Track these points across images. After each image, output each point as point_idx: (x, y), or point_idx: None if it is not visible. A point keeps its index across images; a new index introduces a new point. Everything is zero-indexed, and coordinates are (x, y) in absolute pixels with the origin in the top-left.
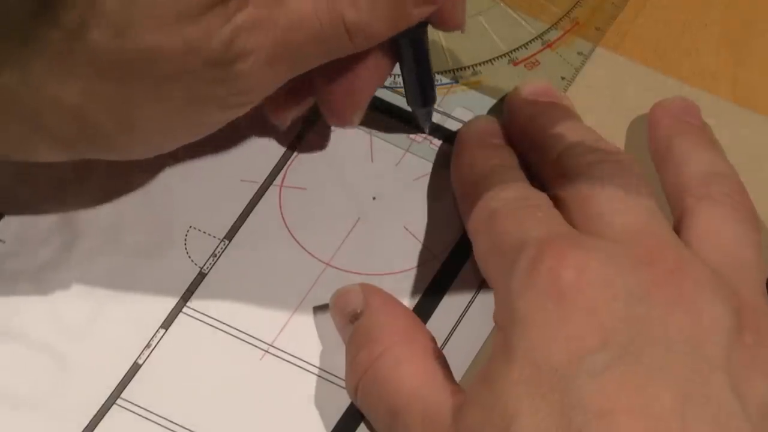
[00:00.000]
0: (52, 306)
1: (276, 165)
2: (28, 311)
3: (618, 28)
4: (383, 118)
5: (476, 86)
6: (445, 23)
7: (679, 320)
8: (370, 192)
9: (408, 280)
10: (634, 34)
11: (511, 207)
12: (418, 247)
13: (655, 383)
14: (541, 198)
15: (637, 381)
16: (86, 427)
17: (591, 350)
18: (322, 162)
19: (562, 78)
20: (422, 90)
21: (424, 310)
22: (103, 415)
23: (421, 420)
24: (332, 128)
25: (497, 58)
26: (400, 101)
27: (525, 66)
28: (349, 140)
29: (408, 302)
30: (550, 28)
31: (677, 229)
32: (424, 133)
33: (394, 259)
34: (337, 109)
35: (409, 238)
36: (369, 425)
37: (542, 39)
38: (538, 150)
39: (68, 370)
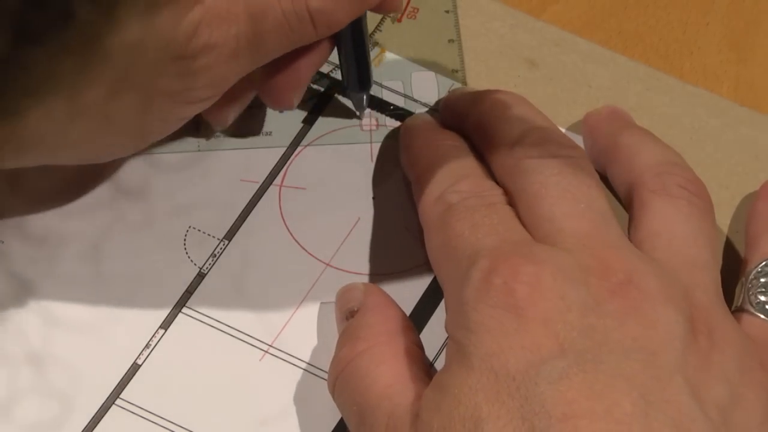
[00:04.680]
0: (52, 306)
1: (276, 165)
2: (27, 311)
3: (619, 26)
4: (384, 118)
5: None
6: (384, 6)
7: (633, 330)
8: (370, 192)
9: (408, 280)
10: (635, 33)
11: (466, 205)
12: (418, 247)
13: (615, 389)
14: (496, 194)
15: (597, 386)
16: (86, 427)
17: (549, 358)
18: (322, 162)
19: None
20: (359, 74)
21: (423, 309)
22: (103, 416)
23: (386, 422)
24: (332, 128)
25: None
26: (398, 100)
27: None
28: (349, 140)
29: (408, 302)
30: None
31: (631, 224)
32: (358, 119)
33: (394, 259)
34: (277, 95)
35: (409, 238)
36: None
37: None
38: (491, 138)
39: (68, 370)
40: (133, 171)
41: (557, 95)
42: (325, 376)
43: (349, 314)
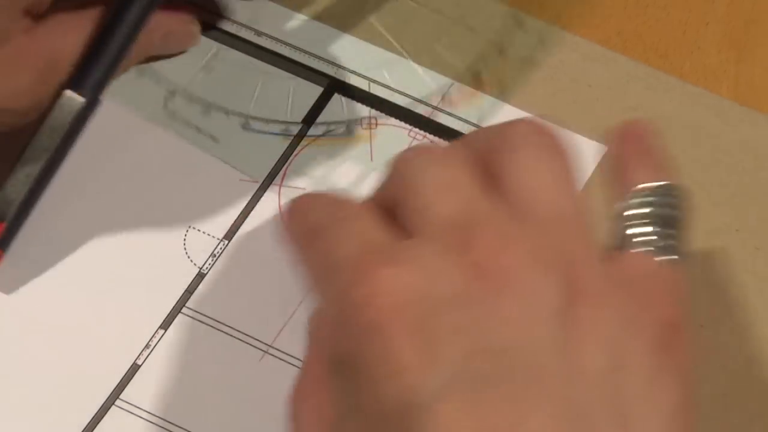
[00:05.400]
0: (51, 307)
1: (275, 165)
2: (27, 312)
3: (619, 26)
4: (385, 117)
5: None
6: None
7: (505, 311)
8: (370, 192)
9: None
10: (635, 33)
11: (329, 220)
12: None
13: (487, 401)
14: (357, 205)
15: (472, 399)
16: (85, 427)
17: (420, 379)
18: (321, 161)
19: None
20: None
21: None
22: (102, 416)
23: None
24: (332, 128)
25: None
26: (400, 100)
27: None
28: (348, 139)
29: None
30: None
31: (493, 186)
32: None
33: None
34: None
35: None
36: None
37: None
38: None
39: (67, 371)
40: (133, 171)
41: (557, 95)
42: None
43: None
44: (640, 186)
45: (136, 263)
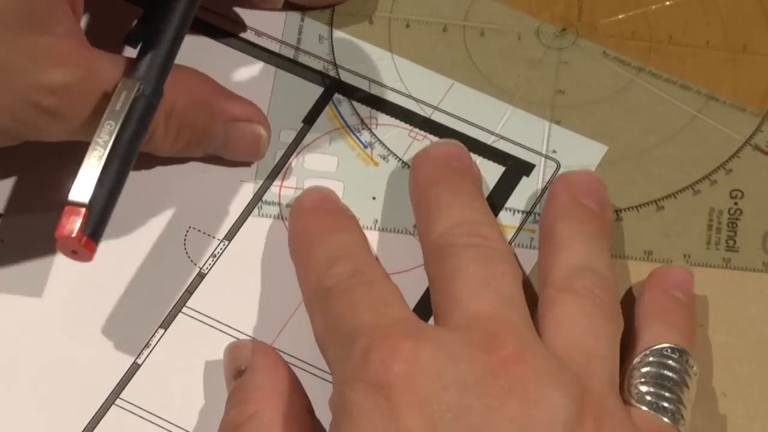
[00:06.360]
0: (52, 306)
1: (276, 165)
2: (27, 311)
3: (620, 27)
4: (385, 117)
5: None
6: None
7: (513, 410)
8: (370, 192)
9: (408, 280)
10: (635, 34)
11: (344, 286)
12: (419, 247)
13: None
14: (375, 272)
15: None
16: (85, 426)
17: None
18: (322, 162)
19: None
20: None
21: (423, 310)
22: (103, 415)
23: None
24: (332, 128)
25: None
26: (401, 100)
27: None
28: (349, 139)
29: (408, 302)
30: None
31: (535, 317)
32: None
33: (395, 259)
34: None
35: (409, 238)
36: None
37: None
38: (425, 221)
39: (67, 370)
40: (133, 171)
41: (557, 95)
42: (325, 375)
43: (237, 373)
44: (658, 346)
45: (136, 263)
